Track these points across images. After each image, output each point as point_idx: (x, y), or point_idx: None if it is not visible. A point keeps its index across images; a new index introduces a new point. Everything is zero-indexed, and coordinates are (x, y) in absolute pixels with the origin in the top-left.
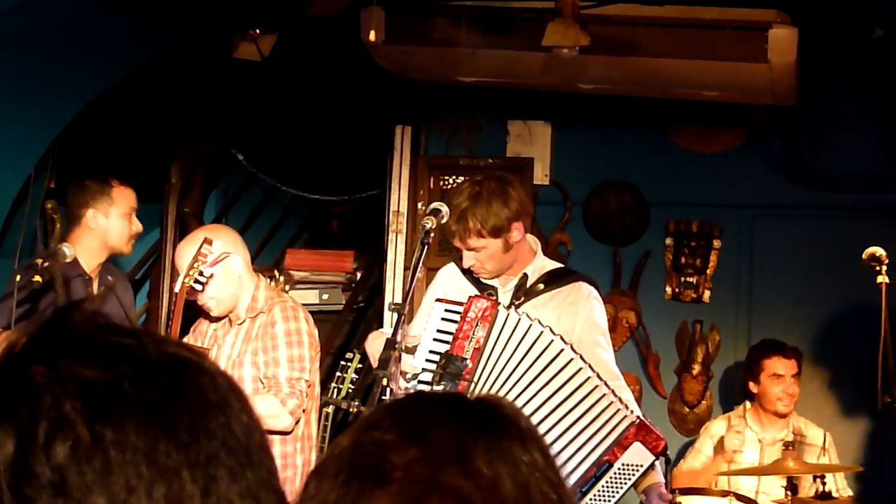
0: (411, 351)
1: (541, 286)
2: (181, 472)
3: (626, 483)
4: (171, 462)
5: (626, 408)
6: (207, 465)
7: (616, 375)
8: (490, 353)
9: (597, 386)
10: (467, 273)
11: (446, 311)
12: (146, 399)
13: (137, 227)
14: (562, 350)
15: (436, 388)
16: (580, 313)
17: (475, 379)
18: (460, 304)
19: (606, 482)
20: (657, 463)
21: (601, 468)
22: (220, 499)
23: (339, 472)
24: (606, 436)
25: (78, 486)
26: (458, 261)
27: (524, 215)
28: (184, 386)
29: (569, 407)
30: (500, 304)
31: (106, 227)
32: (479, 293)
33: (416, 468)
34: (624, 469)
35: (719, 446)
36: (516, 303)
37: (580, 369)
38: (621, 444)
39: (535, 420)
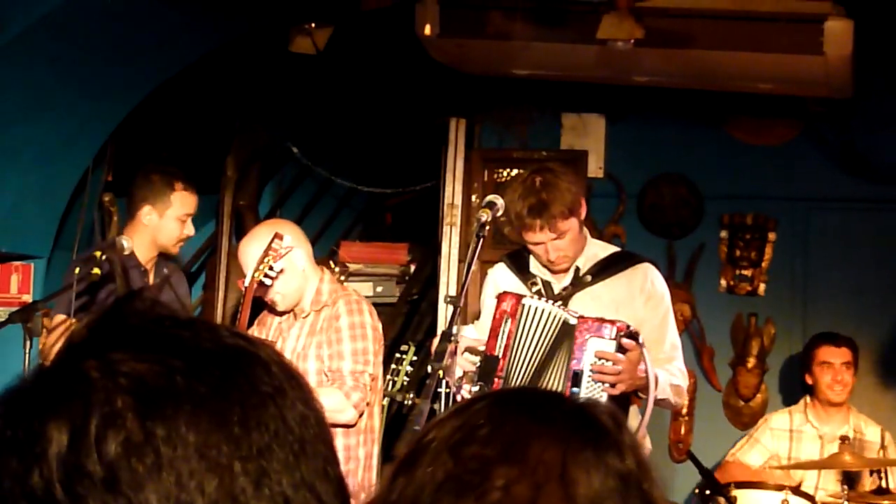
0: (475, 351)
1: (589, 278)
2: (233, 465)
3: (611, 375)
4: (223, 456)
5: (601, 319)
6: (259, 458)
7: (672, 347)
8: (518, 348)
9: (565, 319)
10: (519, 270)
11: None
12: (198, 393)
13: (189, 231)
14: (558, 317)
15: (473, 388)
16: (636, 296)
17: (507, 377)
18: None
19: (589, 386)
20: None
21: (574, 379)
22: (273, 491)
23: (435, 473)
24: (565, 351)
25: (129, 483)
26: (510, 258)
27: (584, 191)
28: (237, 378)
29: (542, 349)
30: (524, 297)
31: (158, 225)
32: (526, 291)
33: (516, 489)
34: (595, 367)
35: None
36: (565, 294)
37: (557, 316)
38: (578, 346)
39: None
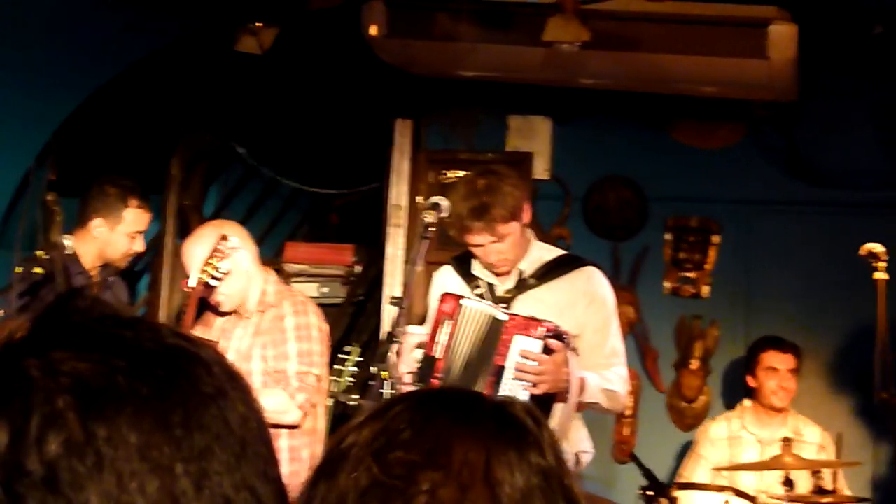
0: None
1: (533, 281)
2: (174, 467)
3: (533, 374)
4: (165, 457)
5: (530, 318)
6: (201, 460)
7: (613, 352)
8: (454, 348)
9: (494, 315)
10: (464, 273)
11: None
12: (140, 394)
13: (139, 248)
14: (494, 317)
15: (412, 388)
16: (579, 299)
17: (445, 375)
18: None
19: (511, 384)
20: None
21: (496, 375)
22: (214, 493)
23: (359, 479)
24: (493, 346)
25: (69, 483)
26: (455, 261)
27: (529, 195)
28: (179, 379)
29: (473, 347)
30: (462, 298)
31: (107, 239)
32: (470, 294)
33: (442, 492)
34: (518, 365)
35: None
36: (508, 296)
37: (494, 317)
38: (504, 343)
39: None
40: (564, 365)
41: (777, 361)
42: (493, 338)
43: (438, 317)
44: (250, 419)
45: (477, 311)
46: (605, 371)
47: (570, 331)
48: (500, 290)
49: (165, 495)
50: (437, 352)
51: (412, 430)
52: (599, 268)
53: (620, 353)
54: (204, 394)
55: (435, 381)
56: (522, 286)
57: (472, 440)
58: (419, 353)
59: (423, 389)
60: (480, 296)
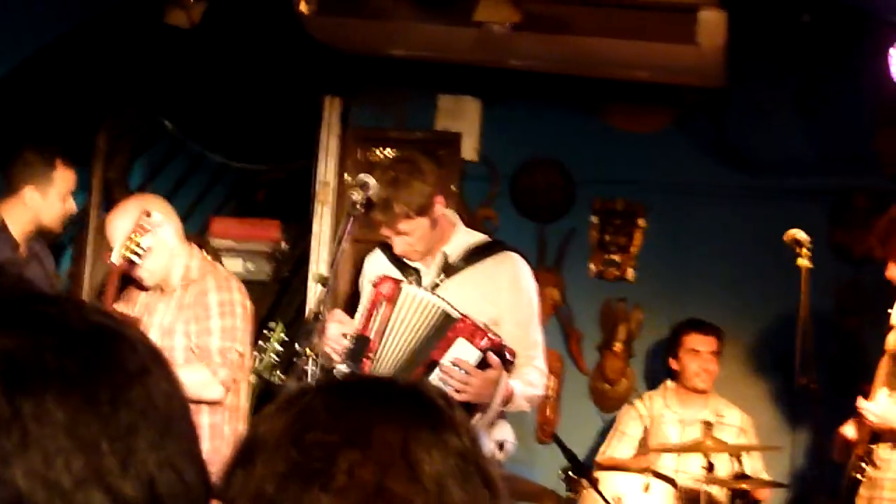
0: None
1: (461, 264)
2: (100, 444)
3: (457, 381)
4: (91, 434)
5: (480, 328)
6: (127, 437)
7: (534, 344)
8: (391, 331)
9: (439, 307)
10: (392, 257)
11: (373, 284)
12: (67, 371)
13: (72, 207)
14: (438, 308)
15: (340, 366)
16: (502, 286)
17: (377, 357)
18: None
19: (438, 381)
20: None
21: (428, 367)
22: (139, 470)
23: (277, 465)
24: (435, 340)
25: None
26: (383, 247)
27: (442, 187)
28: (105, 356)
29: (418, 337)
30: (404, 282)
31: (42, 205)
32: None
33: (361, 472)
34: (449, 369)
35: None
36: (437, 281)
37: (437, 306)
38: (446, 340)
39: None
40: (493, 384)
41: (699, 343)
42: (438, 331)
43: (375, 298)
44: (174, 397)
45: (425, 300)
46: (527, 369)
47: (492, 316)
48: (426, 273)
49: (91, 472)
50: (371, 332)
51: (329, 414)
52: (523, 255)
53: (540, 345)
54: (129, 372)
55: (367, 361)
56: (450, 270)
57: (389, 422)
58: (349, 331)
59: (334, 378)
60: (417, 281)
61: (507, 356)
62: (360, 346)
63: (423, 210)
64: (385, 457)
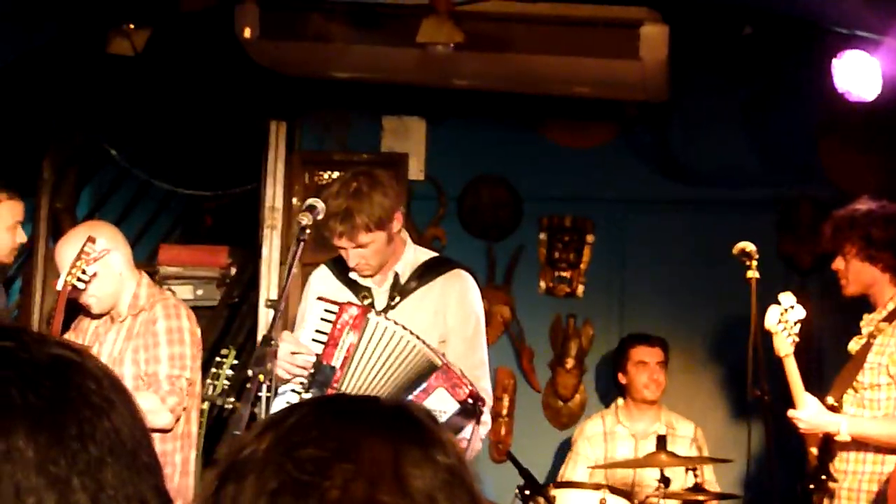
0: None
1: (414, 284)
2: (71, 480)
3: None
4: (61, 471)
5: (460, 377)
6: (96, 472)
7: (480, 363)
8: (359, 361)
9: (418, 349)
10: (341, 275)
11: (325, 310)
12: (34, 406)
13: (22, 238)
14: (417, 349)
15: (304, 395)
16: (451, 304)
17: (342, 387)
18: (337, 303)
19: None
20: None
21: None
22: None
23: (268, 482)
24: (415, 386)
25: None
26: (333, 263)
27: (401, 204)
28: (69, 390)
29: (393, 375)
30: (371, 310)
31: None
32: (352, 298)
33: (353, 486)
34: None
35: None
36: (392, 304)
37: (415, 346)
38: (426, 391)
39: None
40: (462, 431)
41: (645, 355)
42: (419, 378)
43: (342, 326)
44: (137, 429)
45: (397, 335)
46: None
47: (441, 332)
48: (378, 293)
49: None
50: (337, 361)
51: (319, 430)
52: (472, 272)
53: (485, 365)
54: (94, 405)
55: (333, 392)
56: (404, 291)
57: (379, 438)
58: (302, 351)
59: (321, 397)
60: (371, 305)
61: (479, 406)
62: (326, 376)
63: (383, 224)
64: (376, 472)
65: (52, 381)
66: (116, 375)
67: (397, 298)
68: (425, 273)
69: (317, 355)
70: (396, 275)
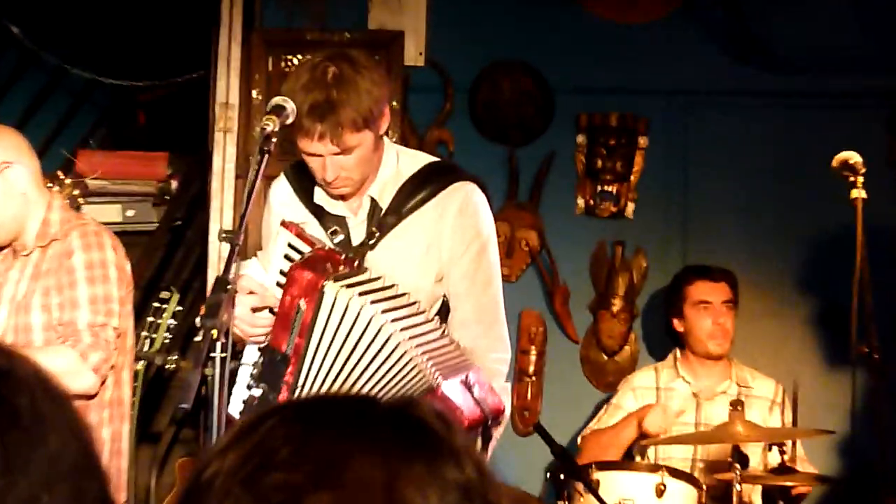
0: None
1: (399, 209)
2: None
3: None
4: None
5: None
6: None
7: (489, 306)
8: (318, 347)
9: (410, 358)
10: (305, 199)
11: (290, 245)
12: None
13: None
14: (390, 336)
15: (255, 392)
16: (445, 229)
17: (299, 384)
18: (305, 239)
19: None
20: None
21: None
22: None
23: None
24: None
25: None
26: (294, 175)
27: (390, 92)
28: None
29: (367, 371)
30: (327, 279)
31: None
32: (320, 234)
33: None
34: None
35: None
36: (371, 243)
37: (398, 345)
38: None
39: None
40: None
41: (708, 293)
42: (380, 351)
43: (291, 300)
44: (81, 452)
45: (354, 309)
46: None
47: (435, 276)
48: (358, 226)
49: None
50: (289, 347)
51: (290, 447)
52: (481, 185)
53: (499, 306)
54: (27, 429)
55: (284, 389)
56: (384, 224)
57: (368, 454)
58: (265, 305)
59: (299, 399)
60: (341, 244)
61: (491, 429)
62: (277, 368)
63: (372, 119)
64: (363, 500)
65: None
66: (51, 377)
67: (377, 236)
68: (414, 191)
69: (266, 344)
70: (373, 200)
